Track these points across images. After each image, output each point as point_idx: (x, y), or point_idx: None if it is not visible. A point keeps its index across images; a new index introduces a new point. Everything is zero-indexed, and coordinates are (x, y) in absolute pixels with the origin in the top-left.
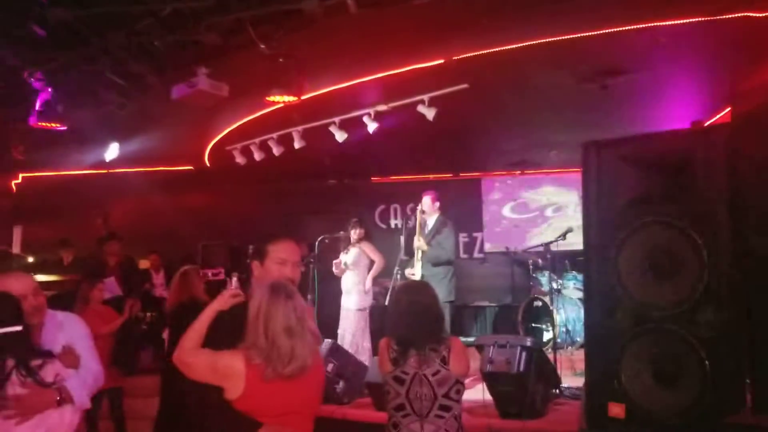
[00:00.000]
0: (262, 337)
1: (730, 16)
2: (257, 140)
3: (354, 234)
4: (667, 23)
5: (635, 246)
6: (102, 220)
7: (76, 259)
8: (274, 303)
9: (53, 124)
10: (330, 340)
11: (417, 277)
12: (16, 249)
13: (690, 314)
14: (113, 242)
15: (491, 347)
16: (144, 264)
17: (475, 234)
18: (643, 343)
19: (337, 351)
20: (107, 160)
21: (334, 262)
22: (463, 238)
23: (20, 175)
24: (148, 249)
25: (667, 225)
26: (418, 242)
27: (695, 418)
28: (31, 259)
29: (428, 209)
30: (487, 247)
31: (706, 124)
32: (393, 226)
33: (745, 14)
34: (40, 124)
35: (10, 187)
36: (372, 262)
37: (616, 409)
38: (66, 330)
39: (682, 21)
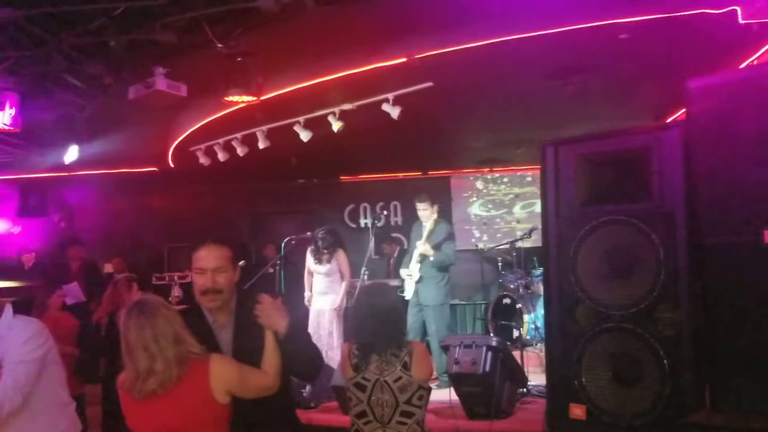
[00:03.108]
0: (126, 357)
1: (688, 13)
2: (221, 140)
3: (321, 240)
4: (627, 20)
5: (593, 245)
6: (64, 224)
7: (37, 263)
8: (127, 323)
9: (5, 127)
10: None
11: (414, 278)
12: None
13: (648, 313)
14: (76, 246)
15: (457, 348)
16: (108, 268)
17: None
18: (603, 342)
19: None
20: (66, 163)
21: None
22: None
23: None
24: (112, 253)
25: (624, 223)
26: (424, 247)
27: (655, 418)
28: None
29: (430, 212)
30: (457, 244)
31: (669, 120)
32: (362, 225)
33: (703, 11)
34: None
35: None
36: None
37: (577, 411)
38: (5, 340)
39: (641, 18)
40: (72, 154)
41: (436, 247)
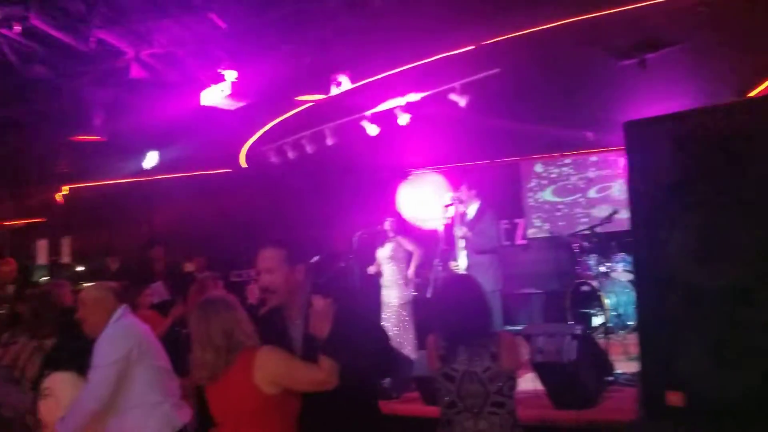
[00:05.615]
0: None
1: None
2: (290, 139)
3: (387, 225)
4: None
5: (685, 227)
6: (147, 228)
7: (122, 266)
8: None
9: (93, 137)
10: None
11: (461, 267)
12: (65, 259)
13: (746, 295)
14: (157, 247)
15: (540, 337)
16: (188, 267)
17: (516, 220)
18: (700, 327)
19: None
20: (146, 168)
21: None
22: (504, 224)
23: (66, 188)
24: (192, 253)
25: (716, 204)
26: (460, 231)
27: (762, 399)
28: (80, 268)
29: (465, 198)
30: (530, 232)
31: (751, 95)
32: None
33: None
34: (79, 137)
35: (58, 200)
36: (410, 254)
37: (674, 398)
38: (100, 339)
39: None
40: (151, 159)
41: (471, 227)
